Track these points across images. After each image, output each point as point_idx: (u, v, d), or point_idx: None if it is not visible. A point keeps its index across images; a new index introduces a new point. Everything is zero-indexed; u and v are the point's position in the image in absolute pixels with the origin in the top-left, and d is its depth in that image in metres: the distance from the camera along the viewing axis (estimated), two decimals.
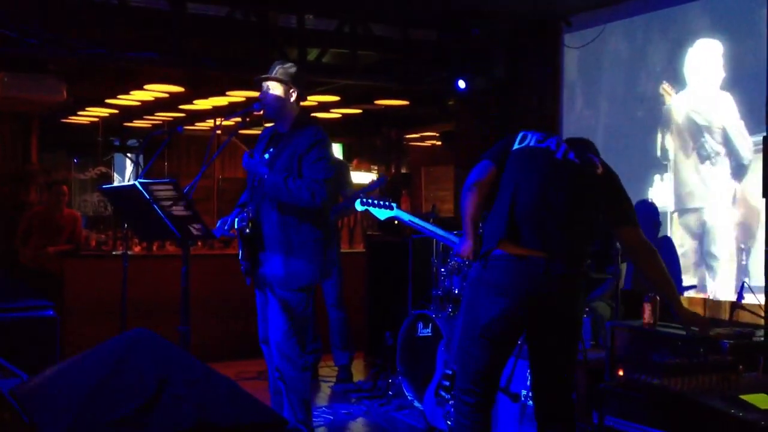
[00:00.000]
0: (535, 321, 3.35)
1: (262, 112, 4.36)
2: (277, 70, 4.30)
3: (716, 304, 5.40)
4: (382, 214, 4.30)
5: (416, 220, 4.23)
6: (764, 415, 2.37)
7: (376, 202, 4.26)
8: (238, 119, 4.57)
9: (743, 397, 2.45)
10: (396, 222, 4.34)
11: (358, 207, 4.43)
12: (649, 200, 5.90)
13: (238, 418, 2.38)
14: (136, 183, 3.77)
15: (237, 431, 2.37)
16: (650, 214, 5.63)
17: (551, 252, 3.26)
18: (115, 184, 4.01)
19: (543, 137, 3.46)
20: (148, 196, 3.78)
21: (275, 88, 4.27)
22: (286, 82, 4.27)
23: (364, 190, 5.68)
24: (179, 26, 6.29)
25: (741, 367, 2.69)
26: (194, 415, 2.31)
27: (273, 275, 4.22)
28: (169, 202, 3.74)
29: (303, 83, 4.35)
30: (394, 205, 4.31)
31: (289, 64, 4.36)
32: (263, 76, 4.30)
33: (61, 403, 2.38)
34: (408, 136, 13.25)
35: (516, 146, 3.46)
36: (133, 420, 2.26)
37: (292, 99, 4.30)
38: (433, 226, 4.27)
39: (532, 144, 3.44)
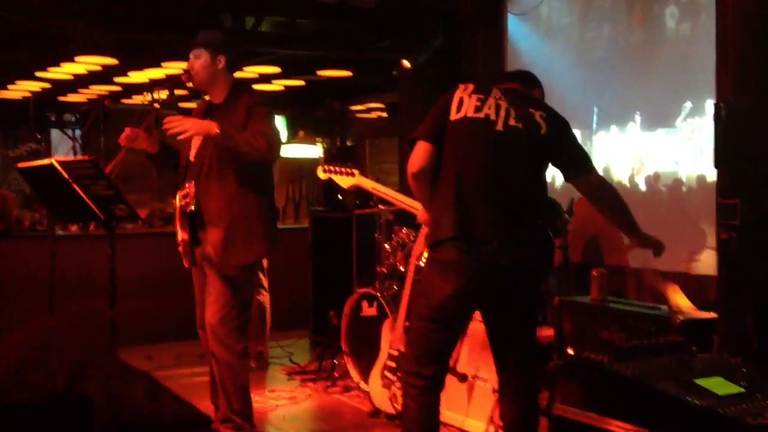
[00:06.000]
0: (489, 296, 3.21)
1: (190, 84, 4.12)
2: (201, 36, 4.07)
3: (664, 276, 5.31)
4: (345, 182, 4.30)
5: (378, 188, 4.23)
6: (721, 400, 2.26)
7: (338, 170, 4.22)
8: (165, 92, 4.29)
9: (698, 381, 2.33)
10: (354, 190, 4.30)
11: (321, 175, 4.38)
12: None
13: (155, 417, 2.19)
14: (53, 161, 3.52)
15: (154, 430, 2.18)
16: None
17: (497, 226, 3.11)
18: (31, 163, 3.72)
19: (481, 101, 3.22)
20: (66, 175, 3.54)
21: (200, 56, 4.03)
22: (212, 47, 4.03)
23: None
24: None
25: (694, 348, 2.58)
26: (107, 412, 2.11)
27: (213, 252, 3.99)
28: (89, 181, 3.50)
29: (231, 50, 4.11)
30: (356, 171, 4.30)
31: (213, 31, 4.13)
32: (189, 43, 4.06)
33: None
34: (353, 108, 13.02)
35: (453, 116, 3.24)
36: (39, 415, 2.07)
37: (221, 66, 4.06)
38: (394, 193, 4.22)
39: (470, 114, 3.22)
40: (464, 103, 3.24)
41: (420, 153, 3.24)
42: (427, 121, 3.30)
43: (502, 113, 3.22)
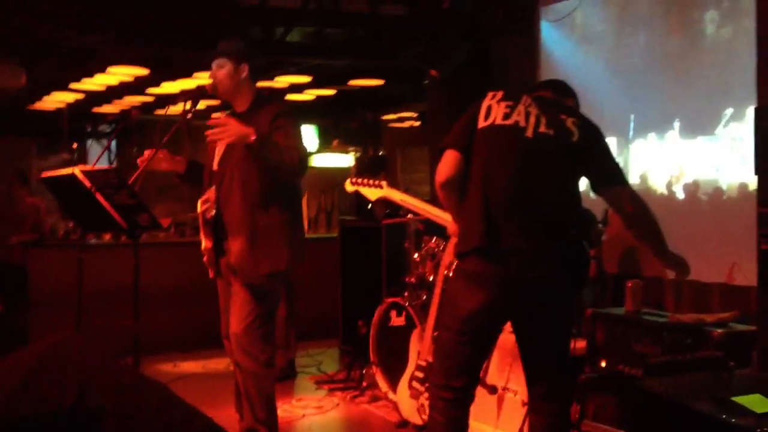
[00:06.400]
0: (520, 309, 3.11)
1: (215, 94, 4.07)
2: (223, 46, 4.02)
3: (703, 287, 5.16)
4: (372, 194, 4.29)
5: (407, 199, 4.20)
6: (760, 419, 2.13)
7: (366, 182, 4.22)
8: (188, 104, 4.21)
9: (736, 399, 2.21)
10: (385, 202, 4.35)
11: (348, 188, 4.37)
12: None
13: (167, 430, 2.11)
14: (75, 171, 3.49)
15: None
16: None
17: (528, 237, 3.01)
18: (54, 172, 3.69)
19: (510, 108, 3.13)
20: (89, 184, 3.50)
21: (224, 65, 3.99)
22: (234, 57, 3.99)
23: None
24: (137, 4, 5.97)
25: (732, 363, 2.45)
26: (117, 427, 2.04)
27: (237, 262, 3.94)
28: (111, 191, 3.46)
29: (254, 58, 4.07)
30: (384, 183, 4.27)
31: (234, 40, 4.08)
32: (210, 53, 4.02)
33: None
34: (385, 117, 12.96)
35: (481, 124, 3.15)
36: (48, 429, 2.00)
37: (244, 75, 4.01)
38: (424, 204, 4.17)
39: (498, 121, 3.12)
40: (492, 111, 3.15)
41: (447, 162, 3.15)
42: (456, 129, 3.22)
43: (532, 120, 3.11)
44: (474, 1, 6.45)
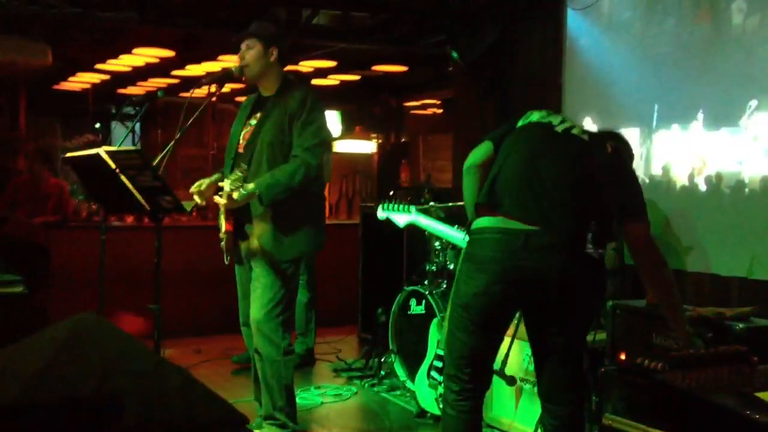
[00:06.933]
0: (525, 299, 3.01)
1: (243, 77, 4.08)
2: (254, 27, 4.01)
3: (722, 281, 5.10)
4: (401, 219, 4.63)
5: (433, 225, 4.53)
6: None
7: (396, 207, 4.58)
8: (214, 86, 4.22)
9: (760, 394, 2.19)
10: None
11: (380, 215, 4.69)
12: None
13: (188, 416, 2.12)
14: (100, 151, 3.50)
15: (187, 430, 2.11)
16: None
17: (533, 221, 2.90)
18: (79, 153, 3.70)
19: (548, 114, 3.18)
20: (113, 166, 3.52)
21: (253, 46, 3.98)
22: (265, 39, 3.98)
23: None
24: None
25: (756, 358, 2.42)
26: (138, 411, 2.05)
27: (259, 246, 3.95)
28: (135, 172, 3.47)
29: (284, 42, 4.06)
30: (412, 208, 4.60)
31: (266, 22, 4.07)
32: (240, 34, 4.01)
33: None
34: (408, 104, 12.92)
35: (519, 125, 3.19)
36: (70, 414, 2.01)
37: (272, 58, 4.01)
38: (450, 228, 4.48)
39: (533, 120, 3.17)
40: (531, 115, 3.21)
41: (479, 149, 3.21)
42: (497, 129, 3.28)
43: (568, 124, 3.14)
44: None
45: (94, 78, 10.98)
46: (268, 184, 3.78)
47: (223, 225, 3.95)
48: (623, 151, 3.21)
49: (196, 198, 3.93)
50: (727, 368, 2.36)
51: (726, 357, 2.41)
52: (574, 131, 3.12)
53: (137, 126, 14.18)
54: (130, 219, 8.06)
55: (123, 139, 5.43)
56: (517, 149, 3.09)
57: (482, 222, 3.03)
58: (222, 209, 3.90)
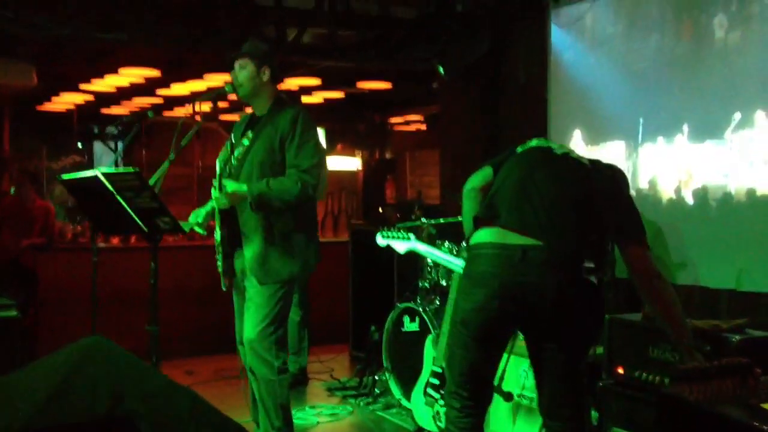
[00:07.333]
0: (523, 315, 3.01)
1: (235, 95, 4.09)
2: (247, 46, 4.03)
3: (711, 293, 5.14)
4: (401, 246, 4.62)
5: (431, 252, 4.58)
6: None
7: (395, 235, 4.60)
8: (209, 104, 4.24)
9: (766, 406, 2.22)
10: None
11: (380, 243, 4.70)
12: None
13: None
14: (98, 173, 3.49)
15: None
16: None
17: (531, 234, 2.92)
18: (76, 174, 3.69)
19: (547, 141, 3.28)
20: (111, 187, 3.51)
21: (246, 66, 4.00)
22: (257, 58, 4.00)
23: None
24: (150, 4, 5.97)
25: (758, 370, 2.45)
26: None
27: (251, 267, 3.95)
28: (132, 194, 3.47)
29: (276, 61, 4.08)
30: (411, 236, 4.63)
31: (259, 41, 4.10)
32: (233, 54, 4.03)
33: (9, 414, 2.12)
34: (392, 121, 12.97)
35: (518, 150, 3.24)
36: None
37: (266, 78, 4.03)
38: (449, 255, 4.54)
39: (532, 145, 3.23)
40: (531, 142, 3.26)
41: (479, 174, 3.27)
42: (498, 155, 3.33)
43: (566, 149, 3.22)
44: (486, 3, 6.47)
45: (78, 98, 10.96)
46: (260, 190, 3.81)
47: (218, 233, 3.96)
48: (620, 179, 3.25)
49: (197, 229, 3.98)
50: (731, 380, 2.38)
51: (730, 369, 2.43)
52: (573, 155, 3.18)
53: (119, 146, 14.14)
54: (115, 240, 8.02)
55: (115, 159, 5.38)
56: (516, 169, 3.13)
57: (480, 236, 3.05)
58: (217, 215, 3.95)
